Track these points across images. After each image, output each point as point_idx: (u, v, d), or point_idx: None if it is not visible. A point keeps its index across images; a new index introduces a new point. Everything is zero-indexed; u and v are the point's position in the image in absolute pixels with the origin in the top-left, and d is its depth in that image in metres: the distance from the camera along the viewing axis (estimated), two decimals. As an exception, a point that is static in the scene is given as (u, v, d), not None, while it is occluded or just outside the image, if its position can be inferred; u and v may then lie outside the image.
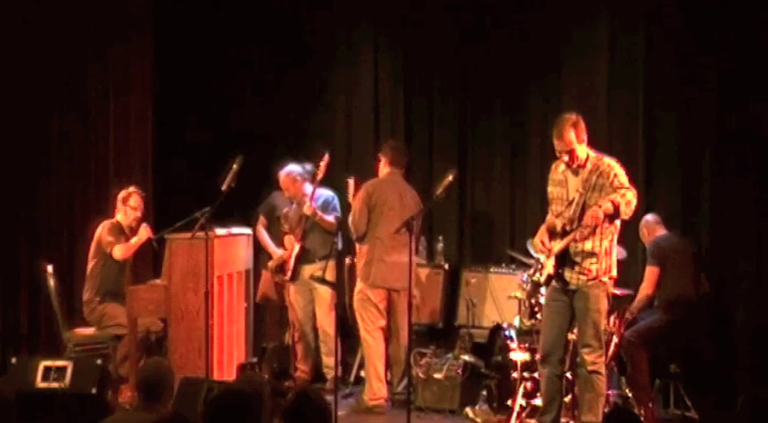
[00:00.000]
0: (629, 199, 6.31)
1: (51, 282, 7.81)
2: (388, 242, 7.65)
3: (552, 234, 6.52)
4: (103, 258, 7.95)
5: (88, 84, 8.74)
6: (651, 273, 7.48)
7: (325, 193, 8.24)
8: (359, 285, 7.84)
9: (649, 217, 7.72)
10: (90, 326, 7.98)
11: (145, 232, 7.99)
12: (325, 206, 8.16)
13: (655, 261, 7.50)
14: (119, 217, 8.08)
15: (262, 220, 8.63)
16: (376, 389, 7.70)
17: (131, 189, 8.14)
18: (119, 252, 7.91)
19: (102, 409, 6.48)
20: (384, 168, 7.91)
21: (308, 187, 8.18)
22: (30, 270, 8.37)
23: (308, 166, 8.26)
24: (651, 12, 8.21)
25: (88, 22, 8.65)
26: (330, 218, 8.09)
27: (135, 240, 7.98)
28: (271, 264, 8.49)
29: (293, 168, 8.25)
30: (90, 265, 8.00)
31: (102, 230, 7.99)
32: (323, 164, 7.95)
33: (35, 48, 8.29)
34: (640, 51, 8.25)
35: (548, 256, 6.51)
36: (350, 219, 7.82)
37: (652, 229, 7.66)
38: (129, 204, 8.06)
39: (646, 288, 7.46)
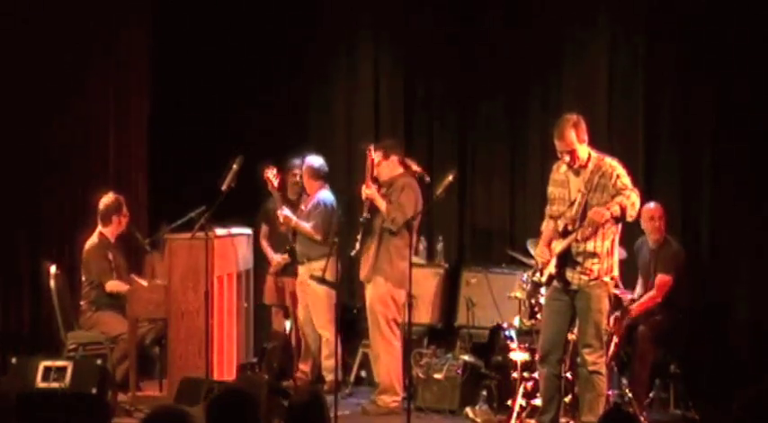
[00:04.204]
0: (633, 200, 6.32)
1: (53, 282, 7.79)
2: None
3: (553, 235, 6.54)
4: (93, 279, 7.89)
5: (88, 85, 8.72)
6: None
7: (320, 197, 8.09)
8: (384, 287, 7.58)
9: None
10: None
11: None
12: (312, 209, 8.05)
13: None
14: (108, 230, 7.94)
15: (263, 229, 8.56)
16: (398, 389, 7.62)
17: (114, 196, 8.00)
18: (111, 287, 7.80)
19: (103, 409, 6.49)
20: (397, 167, 7.72)
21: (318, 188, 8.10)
22: (30, 270, 8.35)
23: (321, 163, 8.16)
24: (651, 12, 8.21)
25: (88, 22, 8.65)
26: (307, 225, 7.94)
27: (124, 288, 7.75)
28: (272, 270, 8.49)
29: (313, 162, 8.15)
30: (83, 277, 7.96)
31: (88, 256, 7.88)
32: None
33: (35, 48, 8.28)
34: (641, 52, 8.25)
35: (550, 258, 6.52)
36: (393, 213, 7.48)
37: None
38: (123, 213, 7.97)
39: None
